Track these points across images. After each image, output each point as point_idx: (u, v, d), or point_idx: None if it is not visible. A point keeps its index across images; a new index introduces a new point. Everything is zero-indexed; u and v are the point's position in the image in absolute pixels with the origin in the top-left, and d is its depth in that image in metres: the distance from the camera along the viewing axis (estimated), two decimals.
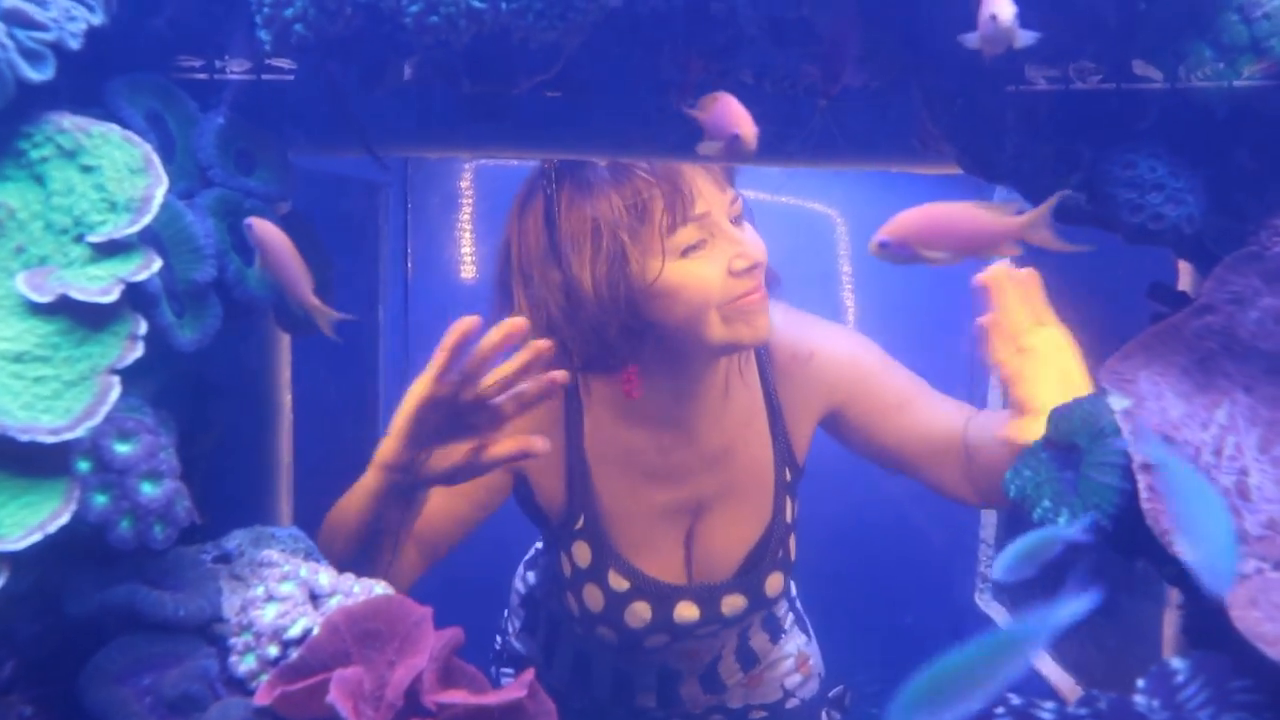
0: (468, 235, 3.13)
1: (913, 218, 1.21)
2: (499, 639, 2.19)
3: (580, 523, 1.80)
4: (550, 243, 1.64)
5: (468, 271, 3.15)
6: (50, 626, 1.15)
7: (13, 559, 0.95)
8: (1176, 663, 1.18)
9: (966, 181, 2.84)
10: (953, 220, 1.22)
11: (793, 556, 1.89)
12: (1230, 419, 1.29)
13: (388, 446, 1.49)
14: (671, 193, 1.59)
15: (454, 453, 1.48)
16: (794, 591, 2.17)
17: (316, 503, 1.73)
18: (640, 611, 1.78)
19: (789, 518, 1.86)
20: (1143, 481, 1.21)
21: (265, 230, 1.28)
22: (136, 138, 1.10)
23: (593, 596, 1.80)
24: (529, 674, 1.26)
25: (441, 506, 1.75)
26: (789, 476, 1.86)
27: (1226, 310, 1.34)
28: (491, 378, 1.44)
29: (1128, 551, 1.30)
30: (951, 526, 2.71)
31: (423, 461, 1.50)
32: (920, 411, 1.84)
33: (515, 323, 1.42)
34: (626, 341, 1.65)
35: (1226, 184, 1.40)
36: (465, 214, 3.13)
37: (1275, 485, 1.23)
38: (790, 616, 2.14)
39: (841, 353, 1.87)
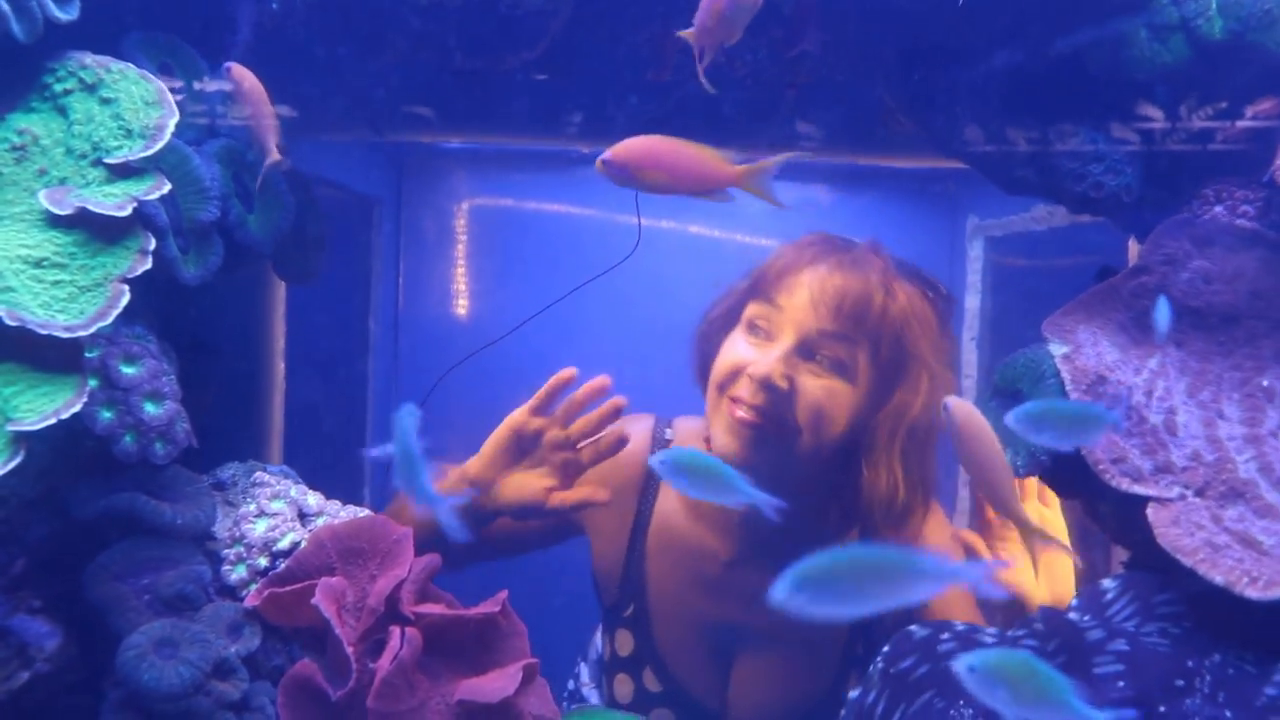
0: (460, 268, 3.19)
1: (638, 143, 1.23)
2: (571, 683, 2.09)
3: (630, 610, 1.75)
4: None
5: (460, 298, 3.19)
6: (58, 530, 1.23)
7: (29, 440, 1.03)
8: (1107, 582, 1.26)
9: (937, 199, 2.96)
10: (675, 154, 1.24)
11: None
12: (1161, 367, 1.38)
13: (473, 463, 1.54)
14: (766, 270, 1.58)
15: (526, 488, 1.52)
16: None
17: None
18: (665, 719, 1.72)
19: (848, 692, 1.71)
20: None
21: (242, 73, 1.33)
22: (151, 75, 1.21)
23: (623, 688, 1.75)
24: (503, 593, 1.34)
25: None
26: (860, 650, 1.71)
27: (1160, 271, 1.43)
28: (577, 426, 1.52)
29: (1066, 490, 1.39)
30: None
31: (499, 489, 1.53)
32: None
33: (603, 380, 1.51)
34: (701, 379, 1.65)
35: (1163, 157, 1.50)
36: (459, 248, 3.19)
37: (1200, 424, 1.32)
38: None
39: (939, 534, 1.72)
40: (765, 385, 1.48)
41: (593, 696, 1.93)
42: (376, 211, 2.89)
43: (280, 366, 1.96)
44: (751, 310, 1.56)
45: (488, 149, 2.91)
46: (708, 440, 1.64)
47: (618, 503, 1.73)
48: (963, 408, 1.25)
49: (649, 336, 2.74)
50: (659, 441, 1.76)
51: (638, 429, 1.77)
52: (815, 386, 1.50)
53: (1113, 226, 1.60)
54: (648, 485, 1.75)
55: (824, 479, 1.58)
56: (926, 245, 3.02)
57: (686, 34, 1.26)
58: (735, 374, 1.52)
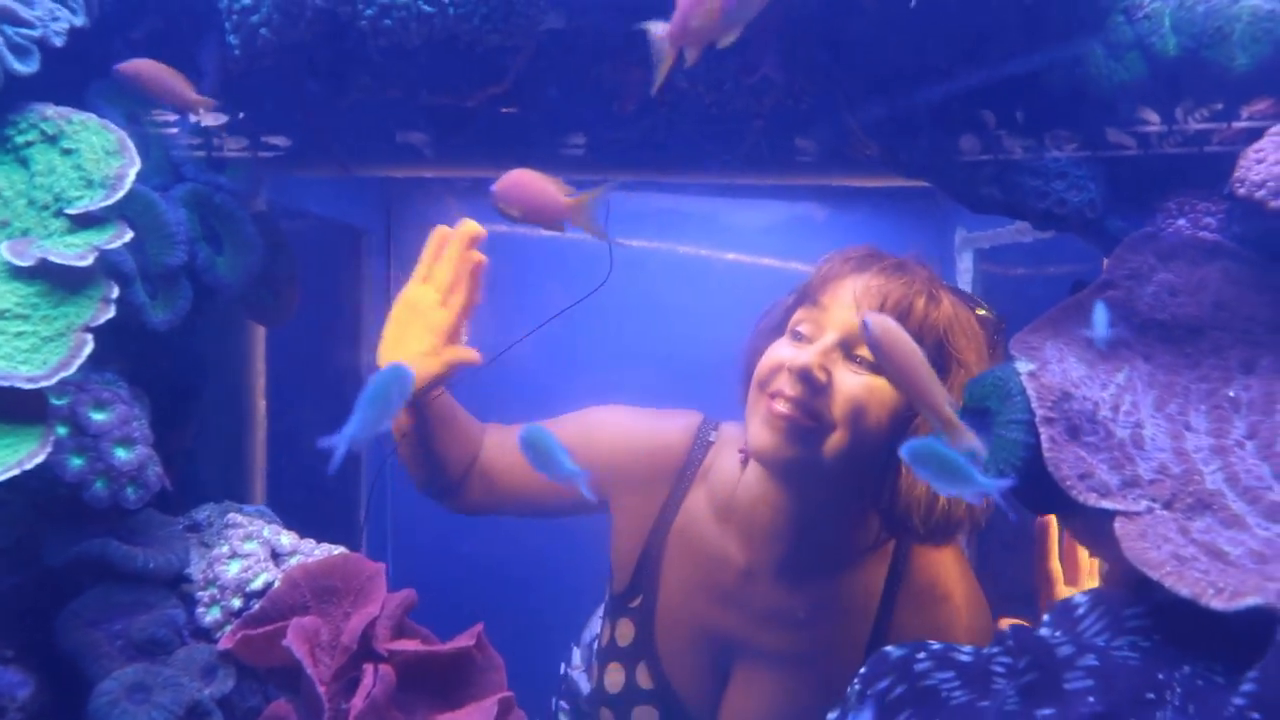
0: None
1: (505, 177, 1.35)
2: (562, 666, 2.08)
3: (637, 601, 1.74)
4: None
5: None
6: (30, 579, 1.23)
7: None
8: (1077, 597, 1.26)
9: (926, 213, 2.98)
10: (529, 188, 1.35)
11: None
12: (1129, 381, 1.39)
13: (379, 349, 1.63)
14: (812, 278, 1.60)
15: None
16: None
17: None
18: (648, 717, 1.72)
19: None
20: (1045, 434, 1.30)
21: (130, 64, 1.34)
22: (112, 125, 1.22)
23: (614, 677, 1.74)
24: (478, 626, 1.34)
25: (508, 459, 1.80)
26: None
27: (1126, 285, 1.44)
28: (439, 279, 1.63)
29: (1037, 507, 1.39)
30: None
31: None
32: None
33: (469, 224, 1.62)
34: (744, 387, 1.62)
35: (1125, 172, 1.51)
36: None
37: (1167, 437, 1.32)
38: None
39: (972, 608, 1.69)
40: (803, 376, 1.48)
41: (582, 681, 1.91)
42: (365, 242, 2.89)
43: (261, 404, 1.96)
44: (796, 317, 1.57)
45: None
46: (743, 448, 1.64)
47: (648, 489, 1.75)
48: (881, 321, 1.28)
49: (642, 357, 2.76)
50: (701, 440, 1.76)
51: (683, 424, 1.78)
52: (854, 382, 1.50)
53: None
54: (681, 478, 1.75)
55: (861, 482, 1.56)
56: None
57: (657, 28, 1.27)
58: (776, 372, 1.52)
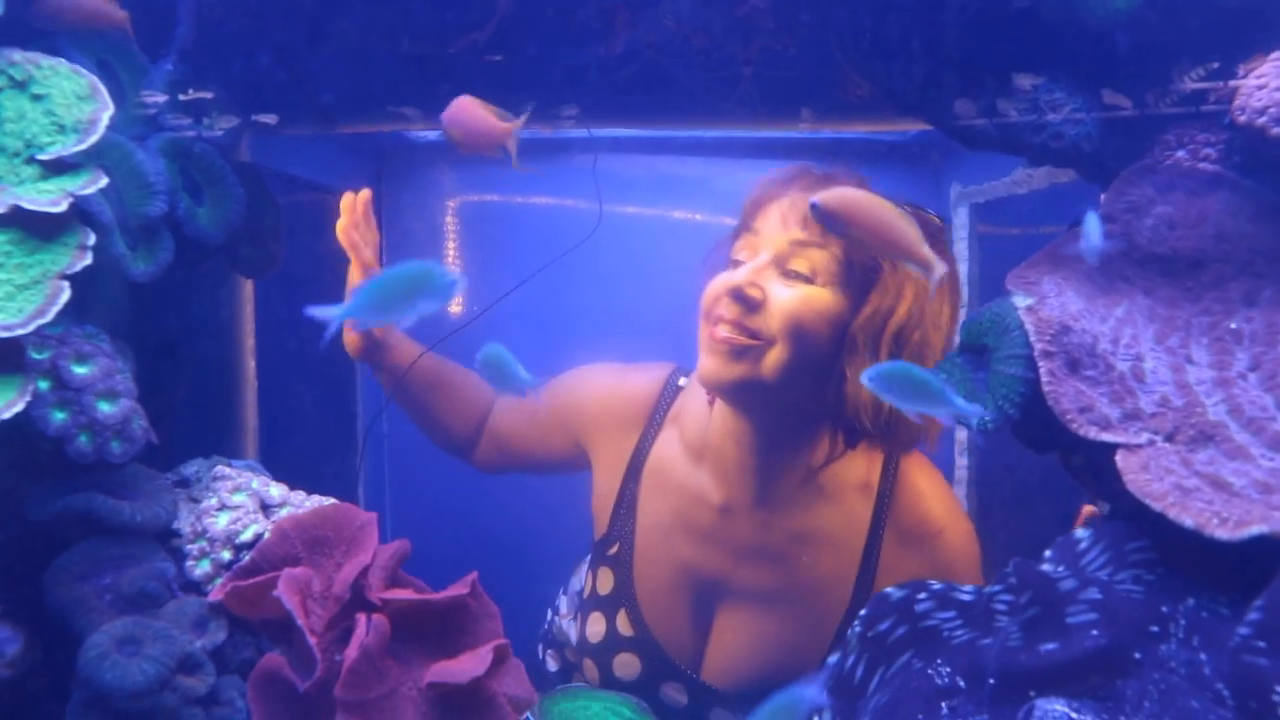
0: (446, 262, 3.16)
1: (452, 105, 1.41)
2: (550, 613, 2.05)
3: (615, 549, 1.75)
4: None
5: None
6: (15, 535, 1.21)
7: None
8: (1080, 532, 1.25)
9: (921, 168, 2.95)
10: (470, 114, 1.42)
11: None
12: (1129, 314, 1.36)
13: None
14: (746, 204, 1.59)
15: None
16: None
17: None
18: (629, 664, 1.71)
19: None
20: (1044, 368, 1.28)
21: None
22: (83, 69, 1.19)
23: (595, 626, 1.74)
24: (473, 574, 1.32)
25: (514, 420, 1.91)
26: None
27: (1124, 219, 1.42)
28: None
29: (1038, 444, 1.37)
30: None
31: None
32: None
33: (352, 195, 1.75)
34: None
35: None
36: (446, 243, 3.16)
37: (1169, 370, 1.30)
38: None
39: (963, 541, 1.66)
40: (736, 296, 1.49)
41: (571, 629, 1.90)
42: None
43: (251, 364, 1.94)
44: (735, 246, 1.58)
45: None
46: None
47: (621, 435, 1.78)
48: (830, 196, 1.30)
49: (637, 322, 2.74)
50: (671, 386, 1.79)
51: (654, 372, 1.82)
52: (789, 295, 1.49)
53: (1081, 179, 1.59)
54: (650, 423, 1.77)
55: (813, 395, 1.54)
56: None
57: None
58: (716, 300, 1.53)
